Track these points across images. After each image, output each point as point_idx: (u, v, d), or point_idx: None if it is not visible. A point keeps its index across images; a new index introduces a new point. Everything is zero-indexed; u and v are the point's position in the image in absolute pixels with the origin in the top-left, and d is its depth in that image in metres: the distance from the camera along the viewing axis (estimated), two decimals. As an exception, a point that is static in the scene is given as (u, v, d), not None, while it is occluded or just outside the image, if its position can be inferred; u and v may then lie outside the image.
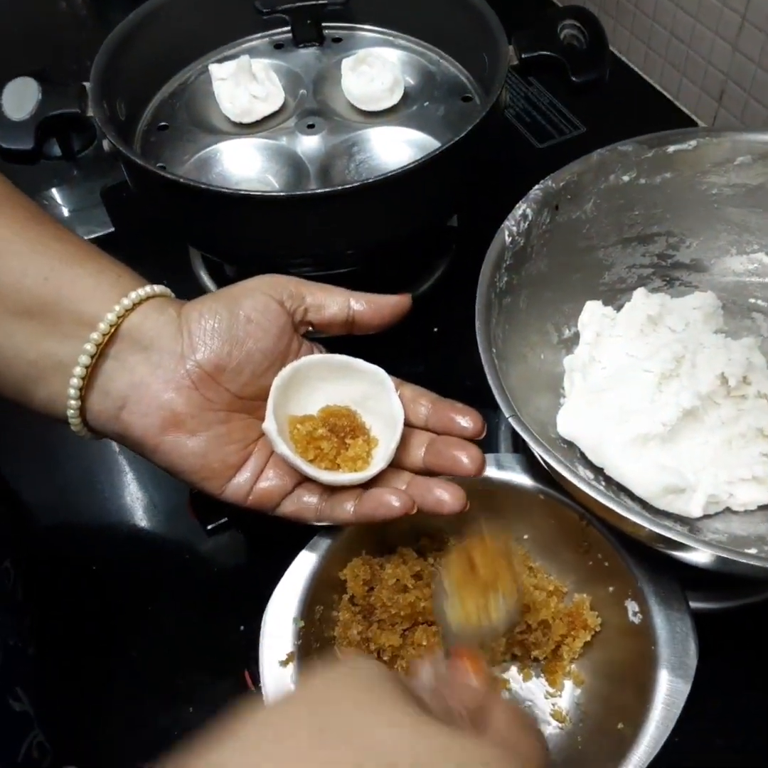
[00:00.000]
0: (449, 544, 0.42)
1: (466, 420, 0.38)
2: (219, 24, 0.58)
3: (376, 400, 0.39)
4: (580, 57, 0.49)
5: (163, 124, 0.55)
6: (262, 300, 0.37)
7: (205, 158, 0.53)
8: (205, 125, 0.55)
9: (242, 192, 0.45)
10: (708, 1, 0.66)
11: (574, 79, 0.49)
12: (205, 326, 0.36)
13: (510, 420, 0.35)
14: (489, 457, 0.41)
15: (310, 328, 0.39)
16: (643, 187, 0.46)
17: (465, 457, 0.37)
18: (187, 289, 0.42)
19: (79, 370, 0.35)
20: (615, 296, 0.48)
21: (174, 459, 0.37)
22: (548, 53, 0.49)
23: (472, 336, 0.42)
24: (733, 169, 0.45)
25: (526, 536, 0.42)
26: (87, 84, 0.49)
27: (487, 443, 0.41)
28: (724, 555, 0.32)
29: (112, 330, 0.35)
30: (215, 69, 0.55)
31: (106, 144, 0.49)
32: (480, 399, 0.41)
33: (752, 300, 0.48)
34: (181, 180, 0.44)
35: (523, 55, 0.49)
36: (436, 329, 0.56)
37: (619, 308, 0.47)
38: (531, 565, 0.42)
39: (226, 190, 0.45)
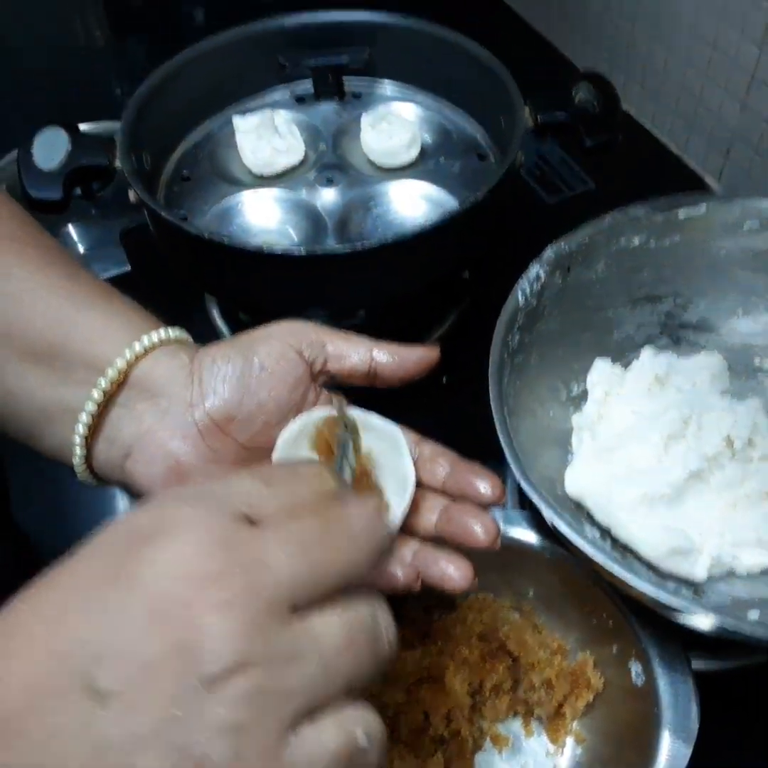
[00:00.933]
0: (456, 600, 0.43)
1: (485, 485, 0.35)
2: (243, 77, 0.59)
3: (390, 458, 0.38)
4: (593, 120, 0.50)
5: (186, 174, 0.57)
6: (278, 347, 0.35)
7: (227, 208, 0.55)
8: (227, 176, 0.56)
9: (261, 249, 0.46)
10: (718, 60, 0.68)
11: (587, 141, 0.50)
12: (216, 373, 0.35)
13: (521, 483, 0.36)
14: (497, 514, 0.42)
15: (329, 379, 0.38)
16: (653, 249, 0.47)
17: (479, 527, 0.33)
18: (200, 331, 0.41)
19: (85, 418, 0.34)
20: (623, 354, 0.49)
21: None
22: (563, 116, 0.51)
23: (482, 387, 0.43)
24: (741, 233, 0.47)
25: (531, 593, 0.43)
26: (116, 137, 0.50)
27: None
28: (726, 625, 0.32)
29: (121, 377, 0.34)
30: (239, 121, 0.57)
31: (131, 195, 0.50)
32: (488, 451, 0.41)
33: (757, 361, 0.49)
34: (206, 235, 0.45)
35: (538, 118, 0.51)
36: (445, 379, 0.57)
37: (627, 365, 0.48)
38: (535, 621, 0.43)
39: (246, 247, 0.46)
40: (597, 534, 0.42)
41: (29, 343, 0.35)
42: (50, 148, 0.51)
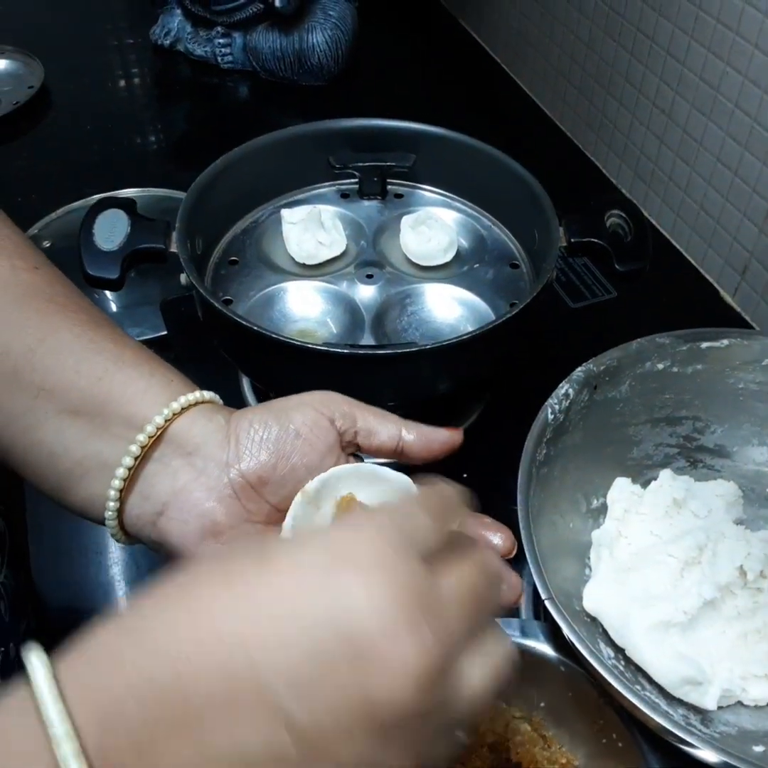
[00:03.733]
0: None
1: (497, 537, 0.35)
2: (292, 172, 0.63)
3: None
4: (625, 248, 0.53)
5: (233, 259, 0.59)
6: (312, 416, 0.36)
7: (270, 295, 0.57)
8: (271, 264, 0.59)
9: (297, 342, 0.48)
10: (738, 185, 0.71)
11: (618, 267, 0.53)
12: (253, 436, 0.35)
13: (546, 602, 0.38)
14: (512, 622, 0.43)
15: (357, 449, 0.39)
16: (675, 374, 0.50)
17: (503, 586, 0.32)
18: (227, 400, 0.41)
19: (121, 472, 0.35)
20: (641, 471, 0.51)
21: None
22: (596, 240, 0.54)
23: (501, 484, 0.44)
24: (760, 368, 0.49)
25: (542, 704, 0.44)
26: (174, 224, 0.53)
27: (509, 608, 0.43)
28: (731, 760, 0.34)
29: (159, 432, 0.35)
30: (287, 214, 0.60)
31: (183, 278, 0.53)
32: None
33: (770, 490, 0.51)
34: (256, 328, 0.48)
35: (572, 240, 0.54)
36: (465, 475, 0.58)
37: (645, 483, 0.50)
38: (545, 734, 0.43)
39: (283, 339, 0.48)
40: (611, 652, 0.43)
41: (71, 399, 0.36)
42: (110, 230, 0.53)
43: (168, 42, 1.02)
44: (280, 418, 0.36)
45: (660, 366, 0.49)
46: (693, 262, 0.79)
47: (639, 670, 0.42)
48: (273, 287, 0.57)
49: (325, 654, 0.23)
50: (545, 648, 0.43)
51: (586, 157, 0.90)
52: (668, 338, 0.49)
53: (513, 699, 0.44)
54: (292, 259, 0.59)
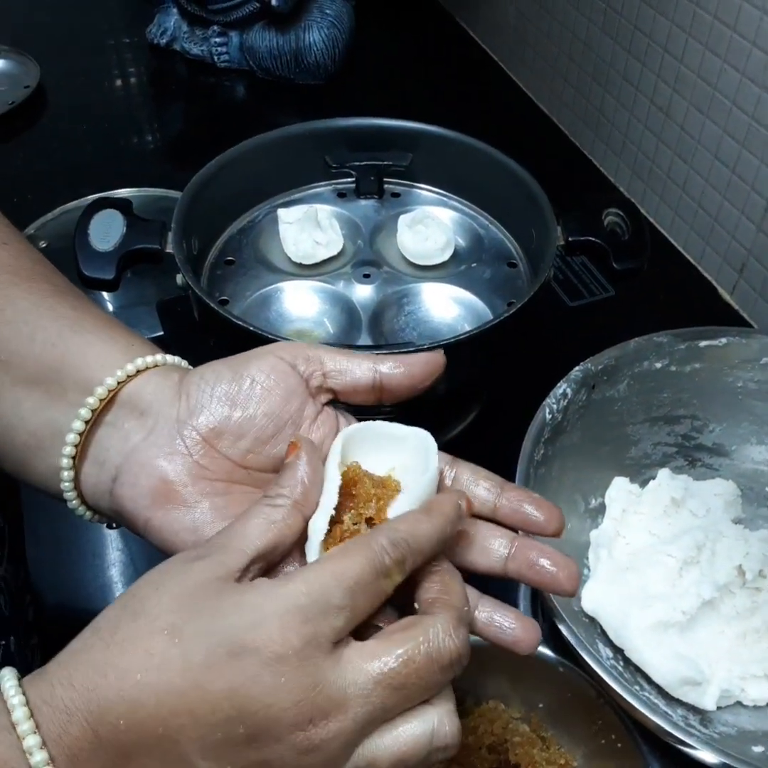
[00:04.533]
0: (466, 705, 0.44)
1: (544, 514, 0.32)
2: (289, 171, 0.62)
3: (418, 475, 0.32)
4: (623, 246, 0.53)
5: (229, 258, 0.59)
6: (270, 361, 0.34)
7: (267, 295, 0.57)
8: (268, 263, 0.59)
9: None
10: (736, 183, 0.71)
11: (615, 266, 0.53)
12: (204, 389, 0.33)
13: (546, 602, 0.37)
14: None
15: (333, 396, 0.35)
16: (673, 373, 0.50)
17: (563, 572, 0.31)
18: None
19: (72, 438, 0.33)
20: (640, 470, 0.51)
21: (166, 536, 0.32)
22: (593, 239, 0.54)
23: None
24: (758, 366, 0.49)
25: (541, 705, 0.44)
26: (169, 224, 0.53)
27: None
28: (731, 761, 0.34)
29: (110, 395, 0.33)
30: (283, 213, 0.60)
31: (179, 278, 0.52)
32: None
33: (769, 489, 0.51)
34: (252, 328, 0.47)
35: (569, 239, 0.54)
36: (464, 475, 0.58)
37: (643, 483, 0.50)
38: (543, 734, 0.43)
39: (280, 339, 0.47)
40: (610, 652, 0.43)
41: (27, 369, 0.34)
42: (106, 230, 0.53)
43: (164, 41, 1.01)
44: (234, 367, 0.34)
45: (658, 365, 0.49)
46: (691, 259, 0.79)
47: (638, 671, 0.42)
48: (270, 287, 0.57)
49: (232, 742, 0.25)
50: (544, 649, 0.43)
51: (583, 155, 0.90)
52: (666, 337, 0.49)
53: (512, 699, 0.44)
54: (289, 258, 0.59)
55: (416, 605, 0.29)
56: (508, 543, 0.32)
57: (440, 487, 0.33)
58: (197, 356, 0.60)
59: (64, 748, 0.25)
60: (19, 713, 0.25)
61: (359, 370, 0.34)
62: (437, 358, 0.35)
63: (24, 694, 0.26)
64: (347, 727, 0.26)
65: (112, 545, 0.57)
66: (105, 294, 0.74)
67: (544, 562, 0.31)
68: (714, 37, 0.69)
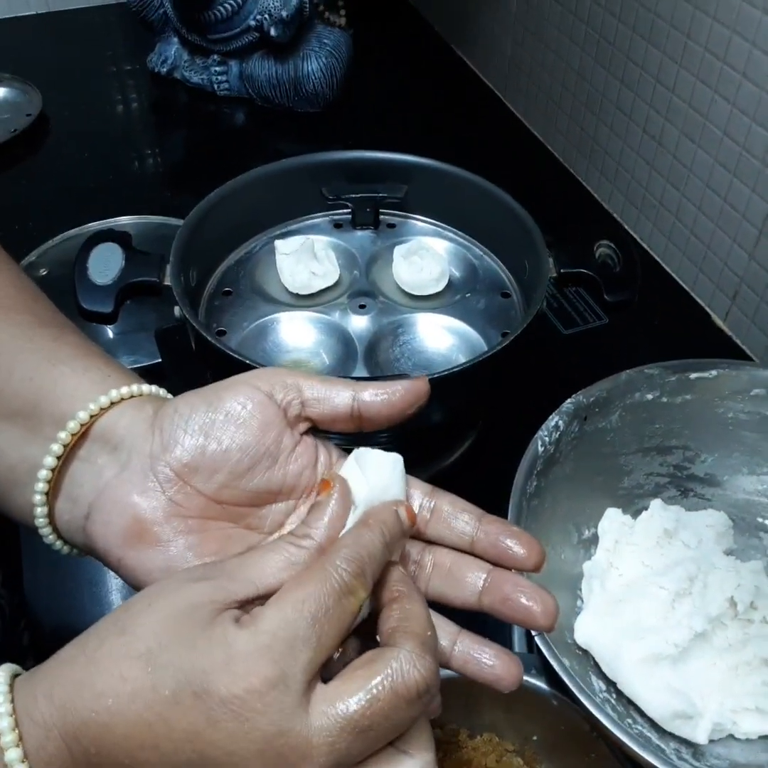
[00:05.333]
0: (460, 738, 0.44)
1: (523, 548, 0.31)
2: (286, 203, 0.63)
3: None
4: (614, 278, 0.54)
5: (227, 289, 0.60)
6: (246, 391, 0.32)
7: (264, 326, 0.58)
8: (265, 294, 0.59)
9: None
10: (728, 211, 0.72)
11: (606, 297, 0.54)
12: (178, 422, 0.32)
13: (536, 638, 0.38)
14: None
15: (312, 425, 0.34)
16: (665, 404, 0.50)
17: (538, 608, 0.30)
18: None
19: (44, 474, 0.32)
20: (632, 501, 0.51)
21: (139, 575, 0.31)
22: (585, 271, 0.54)
23: (496, 511, 0.44)
24: (748, 398, 0.50)
25: (535, 737, 0.44)
26: (168, 258, 0.54)
27: (499, 640, 0.43)
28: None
29: (83, 429, 0.32)
30: (280, 244, 0.61)
31: (177, 310, 0.53)
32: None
33: (761, 519, 0.51)
34: (248, 361, 0.48)
35: (561, 271, 0.54)
36: (459, 503, 0.59)
37: (636, 513, 0.50)
38: (537, 767, 0.43)
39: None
40: (603, 685, 0.43)
41: (5, 403, 0.33)
42: (105, 263, 0.54)
43: (165, 70, 1.03)
44: (209, 398, 0.32)
45: (649, 396, 0.50)
46: (684, 286, 0.80)
47: (631, 703, 0.43)
48: (267, 318, 0.58)
49: None
50: (537, 681, 0.43)
51: (578, 182, 0.91)
52: (657, 369, 0.49)
53: (506, 731, 0.44)
54: (286, 289, 0.60)
55: (378, 637, 0.28)
56: (485, 576, 0.31)
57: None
58: (196, 385, 0.61)
59: (41, 764, 0.25)
60: (4, 723, 0.25)
61: (338, 398, 0.33)
62: (419, 385, 0.33)
63: (12, 702, 0.26)
64: None
65: (110, 572, 0.57)
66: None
67: (520, 597, 0.30)
68: (705, 69, 0.70)
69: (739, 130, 0.68)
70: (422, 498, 0.33)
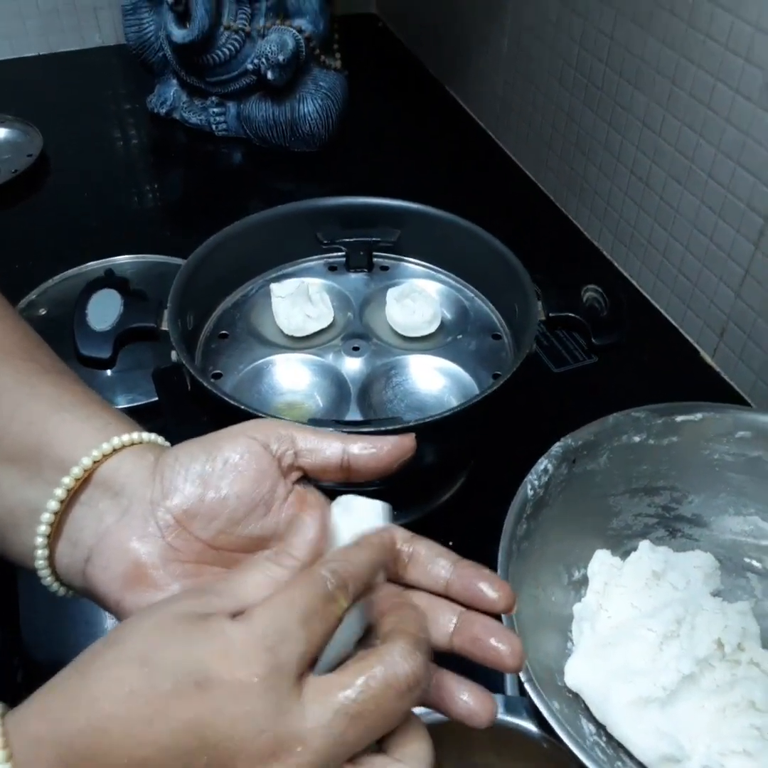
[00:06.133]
0: (453, 780, 0.44)
1: (496, 593, 0.32)
2: (282, 247, 0.65)
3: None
4: (601, 322, 0.55)
5: (223, 332, 0.61)
6: (243, 442, 0.34)
7: (259, 368, 0.59)
8: (260, 337, 0.61)
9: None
10: (714, 251, 0.74)
11: (594, 341, 0.55)
12: (178, 470, 0.34)
13: (525, 684, 0.38)
14: (497, 698, 0.44)
15: (303, 474, 0.36)
16: (651, 446, 0.51)
17: (505, 648, 0.31)
18: None
19: (47, 517, 0.33)
20: (621, 541, 0.52)
21: None
22: (573, 315, 0.56)
23: (486, 551, 0.45)
24: (733, 440, 0.51)
25: (527, 780, 0.44)
26: (165, 304, 0.55)
27: (493, 683, 0.43)
28: None
29: (86, 475, 0.34)
30: (275, 288, 0.62)
31: (174, 355, 0.54)
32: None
33: (747, 560, 0.52)
34: (242, 407, 0.49)
35: (550, 314, 0.56)
36: (451, 543, 0.59)
37: (624, 554, 0.51)
38: (530, 810, 0.44)
39: (270, 417, 0.49)
40: (593, 728, 0.44)
41: (5, 447, 0.35)
42: (103, 309, 0.55)
43: (164, 110, 1.05)
44: (208, 448, 0.34)
45: (636, 439, 0.51)
46: (673, 322, 0.81)
47: (620, 747, 0.43)
48: (262, 360, 0.59)
49: (191, 765, 0.25)
50: (529, 725, 0.44)
51: (569, 220, 0.93)
52: (644, 412, 0.50)
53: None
54: (281, 331, 0.61)
55: (378, 641, 0.30)
56: (455, 617, 0.32)
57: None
58: (192, 424, 0.62)
59: None
60: None
61: (329, 450, 0.35)
62: (406, 442, 0.35)
63: (2, 723, 0.26)
64: (309, 761, 0.26)
65: (106, 613, 0.57)
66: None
67: (488, 638, 0.31)
68: (690, 114, 0.72)
69: (724, 173, 0.70)
70: (401, 544, 0.34)
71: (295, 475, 0.35)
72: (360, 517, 0.33)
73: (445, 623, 0.32)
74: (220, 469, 0.33)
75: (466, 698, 0.31)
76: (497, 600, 0.32)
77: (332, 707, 0.26)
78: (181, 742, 0.25)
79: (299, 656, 0.27)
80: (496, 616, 0.32)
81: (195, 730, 0.25)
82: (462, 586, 0.33)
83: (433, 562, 0.34)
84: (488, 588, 0.32)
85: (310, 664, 0.27)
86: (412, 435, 0.36)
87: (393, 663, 0.27)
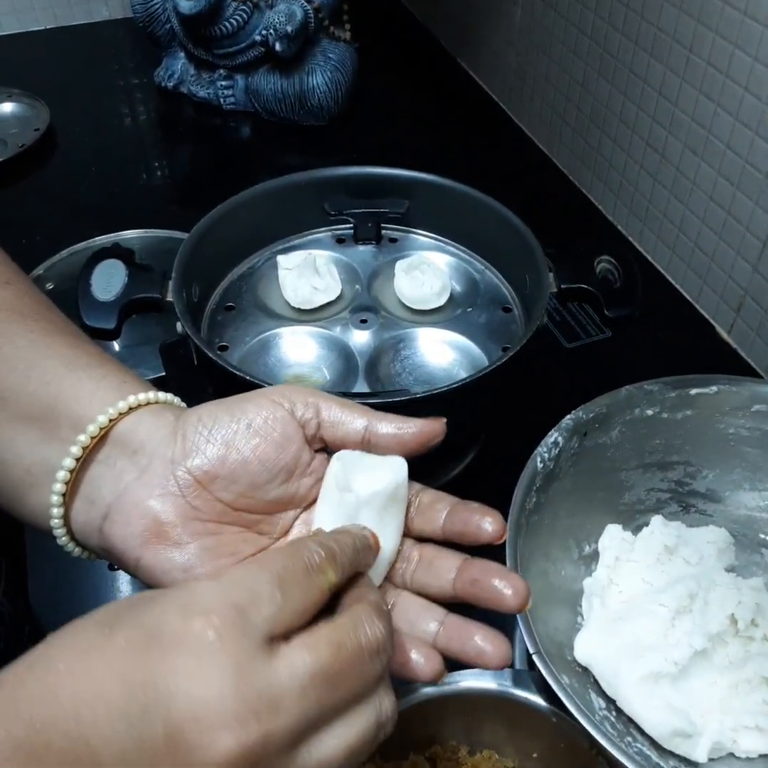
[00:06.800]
0: (460, 755, 0.44)
1: (485, 520, 0.32)
2: (288, 218, 0.64)
3: (390, 505, 0.34)
4: (615, 294, 0.54)
5: (229, 304, 0.60)
6: (268, 406, 0.34)
7: (265, 341, 0.58)
8: (267, 309, 0.60)
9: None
10: (731, 223, 0.72)
11: (607, 312, 0.54)
12: (201, 431, 0.33)
13: (534, 657, 0.38)
14: (506, 672, 0.43)
15: (324, 445, 0.36)
16: (665, 420, 0.50)
17: (508, 590, 0.31)
18: None
19: (62, 475, 0.33)
20: (633, 517, 0.51)
21: (157, 575, 0.32)
22: (586, 287, 0.54)
23: None
24: (749, 414, 0.49)
25: (535, 754, 0.44)
26: (170, 274, 0.54)
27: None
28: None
29: (102, 432, 0.33)
30: (282, 260, 0.61)
31: (179, 326, 0.54)
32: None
33: (762, 535, 0.51)
34: (248, 378, 0.48)
35: (562, 286, 0.55)
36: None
37: (636, 529, 0.50)
38: (538, 785, 0.43)
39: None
40: (603, 702, 0.43)
41: (22, 406, 0.35)
42: (108, 280, 0.54)
43: (172, 84, 1.04)
44: (232, 410, 0.34)
45: (649, 412, 0.49)
46: (689, 298, 0.80)
47: (630, 721, 0.42)
48: (268, 332, 0.58)
49: (148, 742, 0.23)
50: (538, 699, 0.43)
51: (583, 194, 0.91)
52: (657, 385, 0.49)
53: (506, 748, 0.44)
54: (288, 304, 0.60)
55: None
56: (458, 563, 0.33)
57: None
58: (198, 398, 0.62)
59: None
60: None
61: (352, 425, 0.34)
62: (435, 427, 0.34)
63: None
64: (284, 728, 0.24)
65: (115, 581, 0.57)
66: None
67: (488, 578, 0.31)
68: (707, 82, 0.70)
69: (742, 143, 0.68)
70: (411, 495, 0.35)
71: (318, 444, 0.35)
72: (375, 474, 0.33)
73: (448, 570, 0.33)
74: (243, 432, 0.33)
75: (479, 639, 0.31)
76: (486, 526, 0.32)
77: (308, 671, 0.25)
78: (133, 701, 0.24)
79: (269, 618, 0.25)
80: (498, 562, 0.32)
81: (148, 688, 0.24)
82: (451, 521, 0.33)
83: (433, 507, 0.34)
84: (477, 516, 0.32)
85: (286, 632, 0.26)
86: (443, 420, 0.34)
87: (363, 624, 0.27)
